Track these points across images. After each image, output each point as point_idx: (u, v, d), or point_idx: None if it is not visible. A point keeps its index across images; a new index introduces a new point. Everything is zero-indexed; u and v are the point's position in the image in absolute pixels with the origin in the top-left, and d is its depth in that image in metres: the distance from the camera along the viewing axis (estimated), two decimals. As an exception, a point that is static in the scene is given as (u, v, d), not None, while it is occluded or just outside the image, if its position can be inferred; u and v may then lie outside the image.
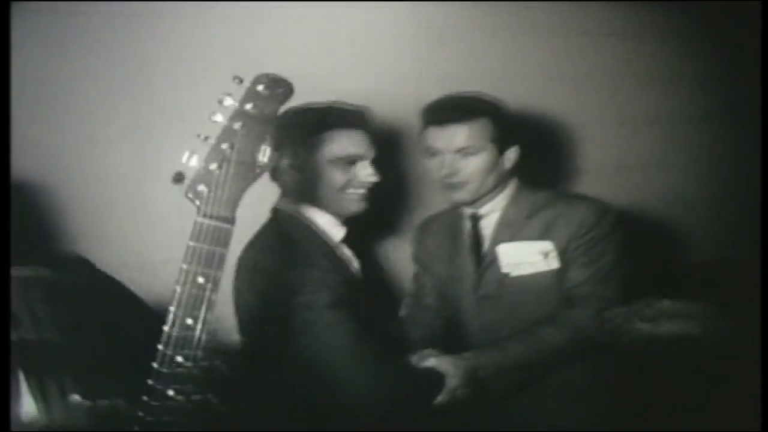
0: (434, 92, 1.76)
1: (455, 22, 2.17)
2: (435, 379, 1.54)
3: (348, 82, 1.96)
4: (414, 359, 1.62)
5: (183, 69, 1.86)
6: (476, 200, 1.74)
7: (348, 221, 1.68)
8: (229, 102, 1.06)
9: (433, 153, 1.71)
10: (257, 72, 1.08)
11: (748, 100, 1.85)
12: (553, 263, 1.69)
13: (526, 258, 1.70)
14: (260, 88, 1.06)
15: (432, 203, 2.06)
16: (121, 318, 1.25)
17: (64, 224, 1.82)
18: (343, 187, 1.61)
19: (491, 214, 1.76)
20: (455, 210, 1.84)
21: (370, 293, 1.69)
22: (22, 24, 1.66)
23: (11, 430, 1.04)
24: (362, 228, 1.73)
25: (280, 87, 1.09)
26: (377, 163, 1.65)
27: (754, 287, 1.44)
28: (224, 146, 1.04)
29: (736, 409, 1.33)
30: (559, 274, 1.69)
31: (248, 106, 1.06)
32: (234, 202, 1.04)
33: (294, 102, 1.14)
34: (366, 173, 1.62)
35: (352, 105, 1.64)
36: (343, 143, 1.60)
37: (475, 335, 1.75)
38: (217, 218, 1.03)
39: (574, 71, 2.31)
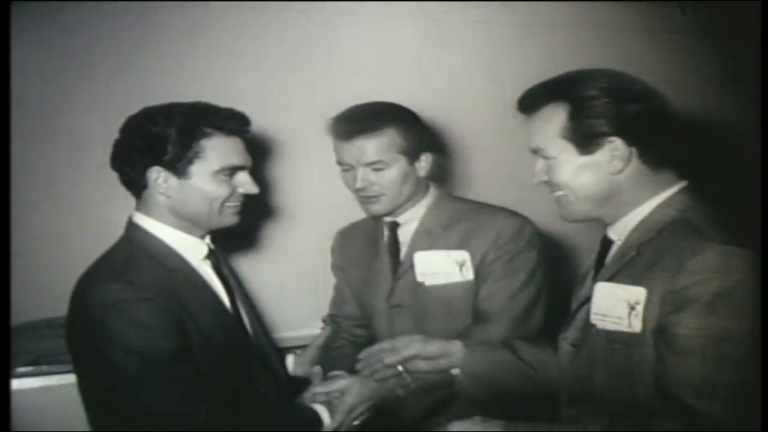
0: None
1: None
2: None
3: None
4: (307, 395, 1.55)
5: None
6: (393, 211, 1.72)
7: (212, 235, 1.53)
8: None
9: (345, 167, 1.68)
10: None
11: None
12: (468, 274, 1.67)
13: (441, 268, 1.68)
14: None
15: (302, 214, 2.08)
16: None
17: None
18: (225, 201, 1.46)
19: (410, 222, 1.74)
20: (374, 218, 1.80)
21: (233, 322, 1.52)
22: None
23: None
24: (226, 242, 1.63)
25: None
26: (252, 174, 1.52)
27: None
28: None
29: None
30: (473, 287, 1.67)
31: None
32: None
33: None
34: (247, 185, 1.49)
35: (223, 107, 1.47)
36: (226, 152, 1.44)
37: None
38: None
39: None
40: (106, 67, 1.86)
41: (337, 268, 1.92)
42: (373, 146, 1.63)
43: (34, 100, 1.82)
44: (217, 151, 1.42)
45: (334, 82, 2.08)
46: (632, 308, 1.20)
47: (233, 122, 1.46)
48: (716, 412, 1.10)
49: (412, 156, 1.68)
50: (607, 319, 1.24)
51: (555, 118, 1.28)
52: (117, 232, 1.47)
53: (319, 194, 2.12)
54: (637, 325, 1.19)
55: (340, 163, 1.69)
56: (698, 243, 1.15)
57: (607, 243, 1.35)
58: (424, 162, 1.71)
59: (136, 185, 1.44)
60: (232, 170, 1.46)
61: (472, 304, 1.68)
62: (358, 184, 1.66)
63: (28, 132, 1.80)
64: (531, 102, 1.34)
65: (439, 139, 1.90)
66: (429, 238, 1.71)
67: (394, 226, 1.76)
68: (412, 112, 1.73)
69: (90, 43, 1.85)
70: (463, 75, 2.22)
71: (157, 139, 1.39)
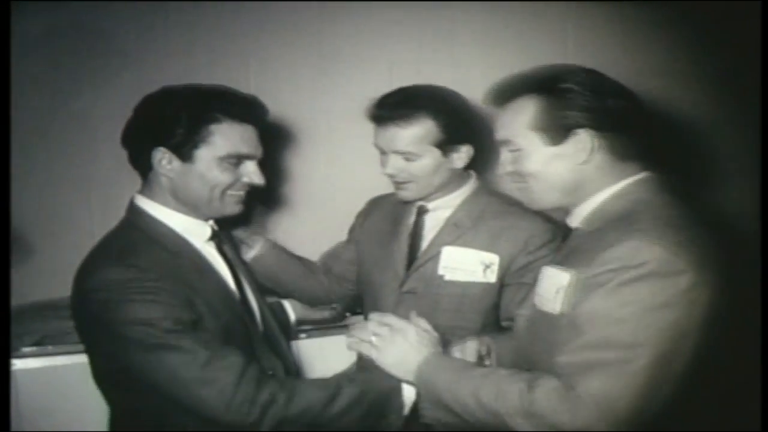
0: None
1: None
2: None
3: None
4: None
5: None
6: (421, 198, 1.71)
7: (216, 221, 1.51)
8: None
9: (380, 150, 1.68)
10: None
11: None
12: (491, 277, 1.65)
13: (466, 265, 1.66)
14: None
15: (303, 204, 2.09)
16: None
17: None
18: (226, 189, 1.43)
19: (440, 210, 1.72)
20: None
21: (238, 303, 1.49)
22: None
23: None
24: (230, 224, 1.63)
25: None
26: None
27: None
28: None
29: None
30: (492, 289, 1.66)
31: None
32: None
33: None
34: (253, 175, 1.46)
35: (241, 93, 1.45)
36: (234, 139, 1.40)
37: None
38: None
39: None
40: (115, 50, 1.89)
41: (353, 237, 1.91)
42: (404, 136, 1.61)
43: (42, 80, 1.84)
44: (225, 138, 1.39)
45: (343, 73, 2.09)
46: (557, 291, 1.25)
47: (248, 110, 1.44)
48: (589, 388, 1.13)
49: (449, 148, 1.64)
50: (543, 299, 1.30)
51: (526, 109, 1.29)
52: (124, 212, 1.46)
53: (323, 186, 2.12)
54: (557, 307, 1.24)
55: (375, 145, 1.68)
56: (623, 234, 1.18)
57: (569, 230, 1.39)
58: (464, 154, 1.67)
59: (142, 165, 1.43)
60: (239, 158, 1.43)
61: (486, 305, 1.67)
62: (388, 171, 1.66)
63: (36, 112, 1.84)
64: (502, 94, 1.35)
65: (483, 130, 1.76)
66: (456, 230, 1.68)
67: (423, 211, 1.74)
68: (460, 102, 1.68)
69: (99, 25, 1.88)
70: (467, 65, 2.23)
71: (167, 121, 1.38)
